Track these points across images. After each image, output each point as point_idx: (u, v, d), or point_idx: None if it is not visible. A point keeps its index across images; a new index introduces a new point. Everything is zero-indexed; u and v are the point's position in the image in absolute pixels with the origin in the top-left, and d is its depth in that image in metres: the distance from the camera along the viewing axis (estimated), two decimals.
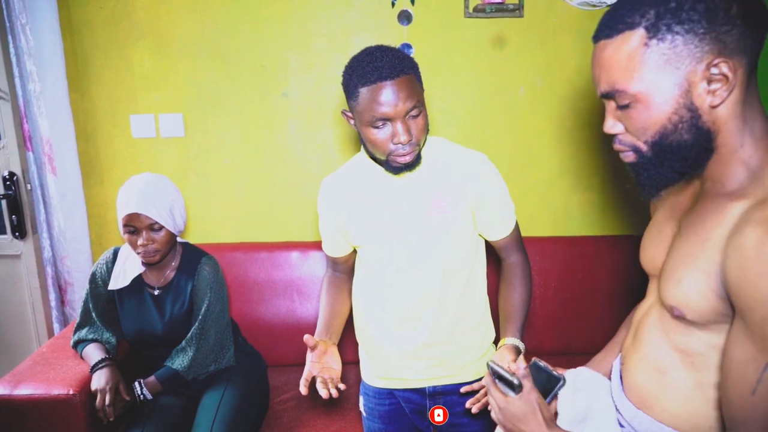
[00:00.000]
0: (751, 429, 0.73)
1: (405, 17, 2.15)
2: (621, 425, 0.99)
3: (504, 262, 1.44)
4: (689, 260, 0.82)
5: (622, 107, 0.82)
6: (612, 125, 0.86)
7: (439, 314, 1.37)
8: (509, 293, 1.40)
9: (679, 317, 0.84)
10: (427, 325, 1.37)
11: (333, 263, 1.55)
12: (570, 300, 2.19)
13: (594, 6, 2.13)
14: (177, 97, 2.21)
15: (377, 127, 1.20)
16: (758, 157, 0.79)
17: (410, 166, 1.25)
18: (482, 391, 1.28)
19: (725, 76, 0.75)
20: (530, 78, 2.21)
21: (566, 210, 2.34)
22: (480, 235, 1.41)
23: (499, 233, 1.39)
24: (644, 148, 0.83)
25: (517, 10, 2.14)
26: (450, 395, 1.43)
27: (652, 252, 0.96)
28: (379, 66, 1.17)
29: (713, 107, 0.77)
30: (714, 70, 0.75)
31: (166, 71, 2.19)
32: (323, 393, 1.20)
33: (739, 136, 0.79)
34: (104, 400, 1.59)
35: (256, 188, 2.31)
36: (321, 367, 1.26)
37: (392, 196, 1.33)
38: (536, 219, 2.31)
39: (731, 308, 0.77)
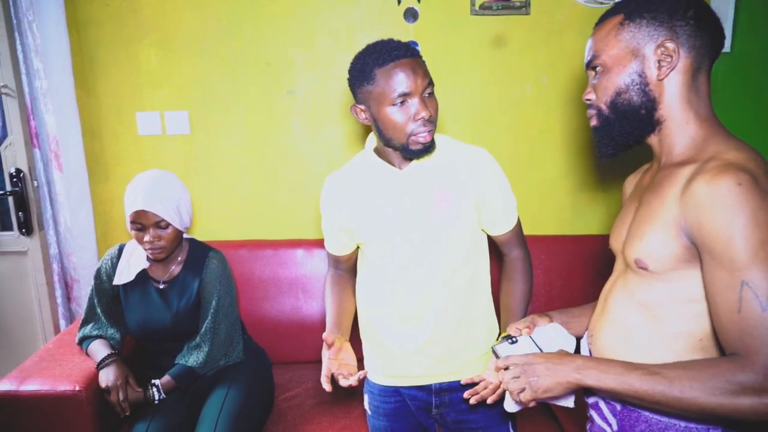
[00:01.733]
0: (748, 342, 0.82)
1: (411, 15, 2.14)
2: (587, 396, 1.09)
3: (506, 257, 1.45)
4: (651, 219, 0.95)
5: (596, 71, 1.02)
6: (588, 92, 1.05)
7: (443, 311, 1.36)
8: (510, 288, 1.41)
9: (643, 268, 0.96)
10: (430, 322, 1.37)
11: (335, 261, 1.55)
12: (575, 299, 2.17)
13: (601, 3, 2.12)
14: (183, 95, 2.22)
15: (396, 105, 1.22)
16: (702, 133, 0.96)
17: (429, 149, 1.27)
18: (481, 384, 1.26)
19: (670, 54, 0.94)
20: (536, 76, 2.21)
21: (572, 209, 2.33)
22: (483, 230, 1.41)
23: (502, 228, 1.39)
24: (604, 108, 1.01)
25: (524, 8, 2.13)
26: (455, 392, 1.42)
27: (618, 230, 1.10)
28: (395, 47, 1.23)
29: (659, 80, 0.96)
30: (663, 50, 0.94)
31: (172, 68, 2.19)
32: (345, 384, 1.24)
33: (684, 114, 0.97)
34: (118, 395, 1.60)
35: (261, 185, 2.31)
36: (339, 364, 1.28)
37: (395, 193, 1.33)
38: (542, 217, 2.30)
39: (695, 253, 0.89)
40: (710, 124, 0.97)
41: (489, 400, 1.24)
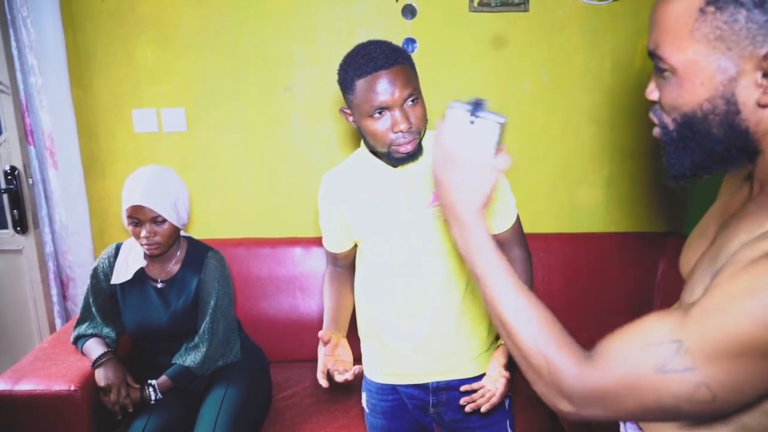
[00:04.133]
0: (611, 349, 0.67)
1: (409, 11, 2.13)
2: None
3: (505, 256, 1.42)
4: (709, 271, 0.69)
5: (660, 73, 0.71)
6: (651, 90, 0.75)
7: (440, 310, 1.35)
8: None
9: None
10: (428, 321, 1.36)
11: (333, 259, 1.54)
12: (574, 297, 2.17)
13: (601, 0, 2.11)
14: (180, 92, 2.20)
15: (376, 118, 1.21)
16: None
17: (412, 156, 1.26)
18: (480, 392, 1.29)
19: None
20: (536, 73, 2.19)
21: (571, 206, 2.32)
22: None
23: (499, 227, 1.38)
24: (671, 126, 0.72)
25: (523, 5, 2.11)
26: (453, 391, 1.41)
27: (687, 255, 0.85)
28: (373, 57, 1.19)
29: (761, 106, 0.64)
30: None
31: (169, 65, 2.17)
32: (340, 379, 1.24)
33: None
34: (119, 393, 1.59)
35: (259, 183, 2.30)
36: (335, 360, 1.29)
37: (392, 191, 1.33)
38: (541, 215, 2.29)
39: None
40: None
41: (483, 409, 1.27)
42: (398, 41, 2.15)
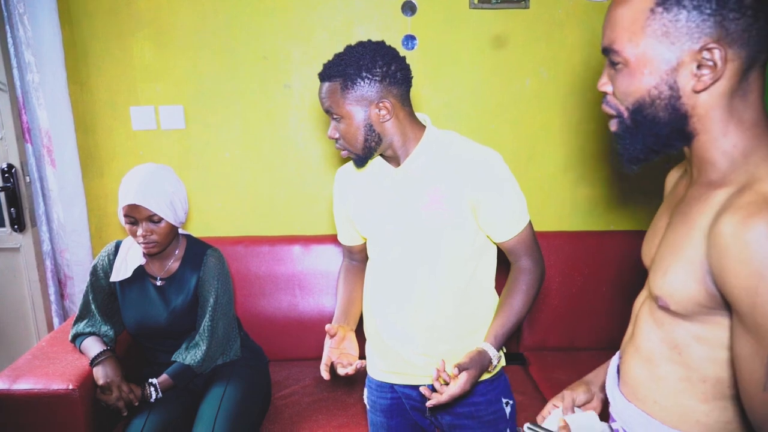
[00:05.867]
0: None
1: (409, 8, 2.12)
2: (614, 419, 0.98)
3: (512, 265, 1.38)
4: (675, 250, 0.81)
5: (614, 66, 0.82)
6: (604, 83, 0.86)
7: (437, 313, 1.34)
8: (506, 299, 1.35)
9: (664, 308, 0.83)
10: (425, 324, 1.35)
11: (348, 252, 1.57)
12: (574, 296, 2.17)
13: None
14: (177, 89, 2.19)
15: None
16: (743, 145, 0.77)
17: (356, 163, 1.33)
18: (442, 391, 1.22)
19: (714, 63, 0.73)
20: (536, 70, 2.19)
21: (571, 205, 2.32)
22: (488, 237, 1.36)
23: (502, 235, 1.33)
24: (625, 114, 0.83)
25: (523, 2, 2.11)
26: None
27: (649, 245, 0.96)
28: (325, 64, 1.26)
29: (696, 92, 0.76)
30: (706, 55, 0.74)
31: (167, 62, 2.16)
32: (342, 372, 1.27)
33: (722, 126, 0.77)
34: (119, 391, 1.58)
35: (257, 181, 2.29)
36: (339, 353, 1.31)
37: (390, 190, 1.32)
38: (541, 213, 2.29)
39: (721, 301, 0.75)
40: (754, 133, 0.77)
41: (428, 404, 1.21)
42: (398, 38, 2.14)
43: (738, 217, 0.69)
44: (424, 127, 1.33)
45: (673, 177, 1.03)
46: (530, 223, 1.36)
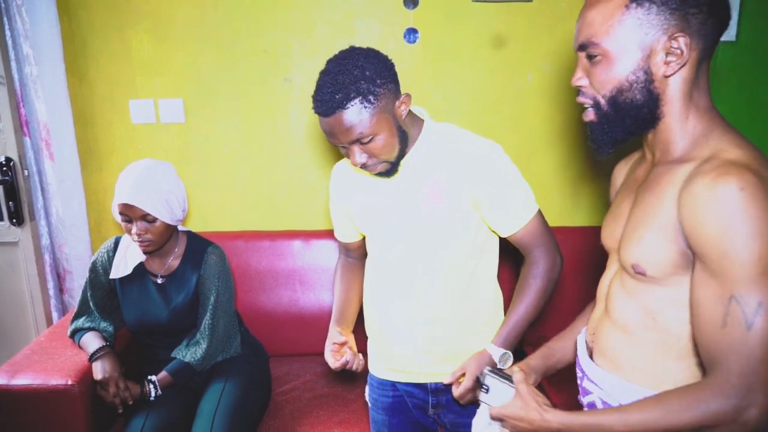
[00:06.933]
0: (727, 359, 0.79)
1: (411, 1, 2.10)
2: (588, 392, 1.05)
3: (525, 258, 1.35)
4: (648, 220, 0.90)
5: (592, 59, 0.91)
6: (579, 78, 0.96)
7: (438, 311, 1.33)
8: (517, 295, 1.33)
9: (641, 273, 0.91)
10: (427, 321, 1.33)
11: (345, 249, 1.55)
12: (576, 291, 2.16)
13: None
14: (177, 82, 2.17)
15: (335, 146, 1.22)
16: (701, 127, 0.89)
17: (386, 174, 1.26)
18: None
19: (681, 50, 0.85)
20: (538, 64, 2.17)
21: (574, 200, 2.31)
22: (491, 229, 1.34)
23: (507, 228, 1.30)
24: (602, 102, 0.93)
25: None
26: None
27: (611, 227, 1.04)
28: (318, 99, 1.16)
29: (665, 76, 0.88)
30: (674, 44, 0.85)
31: (167, 55, 2.14)
32: (342, 361, 1.37)
33: (684, 109, 0.90)
34: (117, 387, 1.57)
35: (257, 175, 2.27)
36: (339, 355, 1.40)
37: (389, 186, 1.31)
38: (542, 209, 2.23)
39: (690, 259, 0.85)
40: (710, 117, 0.90)
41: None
42: (399, 31, 2.12)
43: (708, 178, 0.80)
44: (422, 120, 1.31)
45: (622, 169, 1.13)
46: (539, 212, 1.32)
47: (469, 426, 1.39)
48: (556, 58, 2.16)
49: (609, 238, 1.06)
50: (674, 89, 0.89)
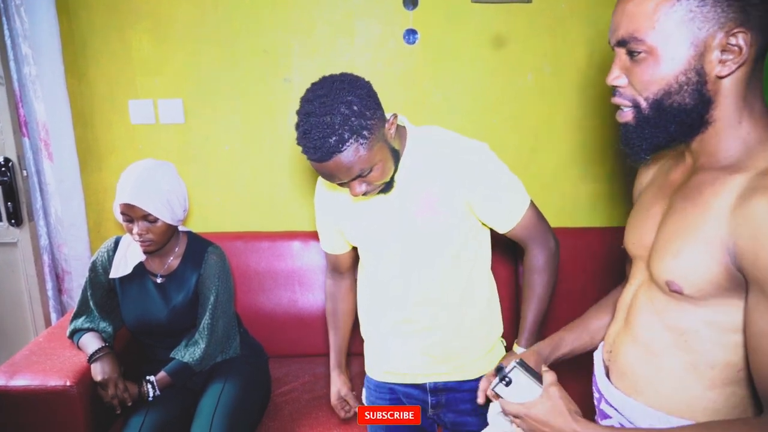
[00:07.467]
0: None
1: (411, 2, 2.09)
2: (607, 415, 0.97)
3: (525, 252, 1.37)
4: (688, 232, 0.80)
5: (633, 56, 0.81)
6: (616, 76, 0.85)
7: (437, 314, 1.33)
8: (526, 293, 1.36)
9: (676, 292, 0.82)
10: (425, 325, 1.34)
11: (333, 263, 1.53)
12: (576, 292, 2.15)
13: None
14: (177, 83, 2.16)
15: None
16: (756, 134, 0.79)
17: (383, 192, 1.25)
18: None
19: (740, 48, 0.75)
20: (538, 65, 2.17)
21: (574, 200, 2.30)
22: (485, 225, 1.34)
23: (504, 226, 1.31)
24: (644, 104, 0.82)
25: None
26: (453, 392, 1.40)
27: (639, 232, 0.94)
28: (309, 146, 1.09)
29: (719, 77, 0.77)
30: (732, 40, 0.75)
31: (166, 55, 2.14)
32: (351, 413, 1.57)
33: (737, 113, 0.79)
34: (116, 388, 1.56)
35: (257, 176, 2.27)
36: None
37: (382, 201, 1.29)
38: (543, 209, 2.23)
39: (741, 281, 0.75)
40: (764, 123, 0.80)
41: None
42: (399, 32, 2.12)
43: None
44: (404, 127, 1.29)
45: (647, 172, 1.03)
46: (531, 203, 1.33)
47: (469, 425, 1.39)
48: (556, 59, 2.16)
49: (635, 244, 0.95)
50: (727, 91, 0.78)
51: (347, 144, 1.08)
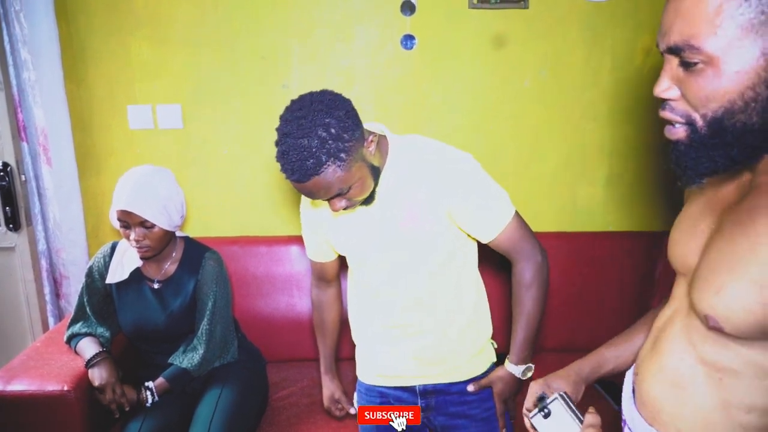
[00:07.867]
0: None
1: (408, 8, 2.10)
2: None
3: (512, 268, 1.35)
4: (735, 266, 0.69)
5: (689, 67, 0.67)
6: (666, 88, 0.71)
7: (425, 319, 1.34)
8: (515, 309, 1.34)
9: (715, 329, 0.72)
10: (415, 329, 1.35)
11: (319, 272, 1.53)
12: (573, 296, 2.16)
13: None
14: (175, 88, 2.17)
15: None
16: None
17: (364, 204, 1.25)
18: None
19: None
20: (535, 70, 2.18)
21: (571, 205, 2.31)
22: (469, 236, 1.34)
23: (486, 236, 1.29)
24: (700, 123, 0.69)
25: (522, 1, 2.10)
26: (443, 395, 1.40)
27: (683, 248, 0.82)
28: (287, 167, 1.09)
29: None
30: None
31: (165, 61, 2.14)
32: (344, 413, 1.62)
33: None
34: (113, 393, 1.56)
35: (255, 181, 2.27)
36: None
37: (365, 212, 1.30)
38: (540, 214, 2.28)
39: None
40: None
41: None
42: (397, 38, 2.13)
43: None
44: (384, 137, 1.28)
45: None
46: (516, 214, 1.30)
47: (459, 428, 1.39)
48: (553, 64, 2.17)
49: (680, 259, 0.84)
50: None
51: (324, 166, 1.08)
